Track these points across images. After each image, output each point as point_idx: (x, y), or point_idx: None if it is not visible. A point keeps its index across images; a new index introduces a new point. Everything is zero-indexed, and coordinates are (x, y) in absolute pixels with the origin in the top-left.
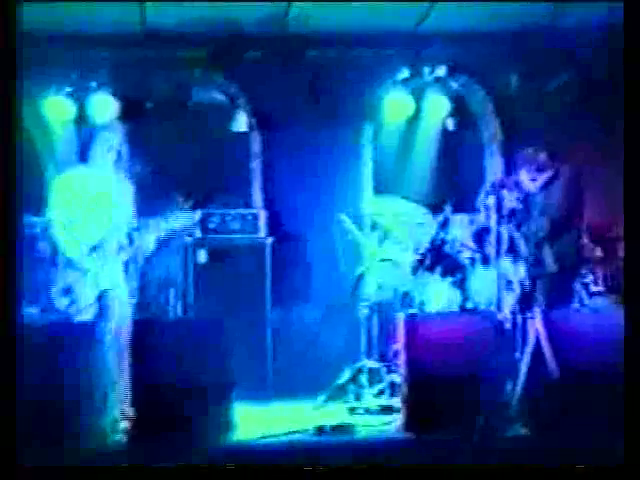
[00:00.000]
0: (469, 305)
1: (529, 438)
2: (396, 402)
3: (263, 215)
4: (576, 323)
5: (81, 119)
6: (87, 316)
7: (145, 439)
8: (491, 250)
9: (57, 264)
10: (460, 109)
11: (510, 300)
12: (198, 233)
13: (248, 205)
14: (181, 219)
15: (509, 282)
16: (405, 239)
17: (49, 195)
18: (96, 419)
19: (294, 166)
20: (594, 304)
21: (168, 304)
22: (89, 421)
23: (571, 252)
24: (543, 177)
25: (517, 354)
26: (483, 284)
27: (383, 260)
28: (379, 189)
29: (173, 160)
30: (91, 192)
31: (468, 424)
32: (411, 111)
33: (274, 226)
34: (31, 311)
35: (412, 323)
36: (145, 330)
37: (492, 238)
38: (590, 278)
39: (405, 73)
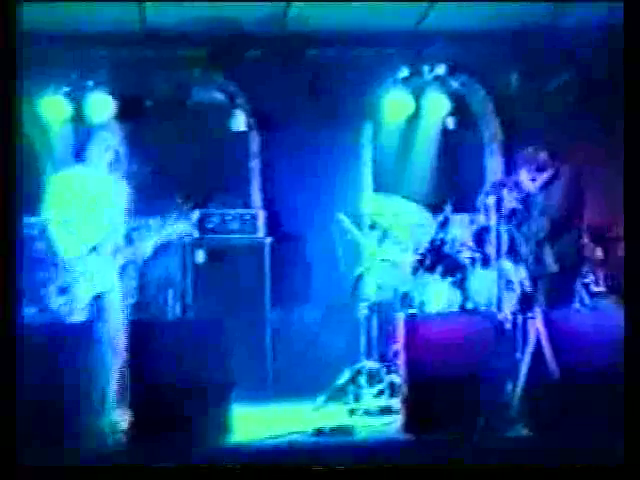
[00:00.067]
0: (469, 305)
1: (529, 438)
2: (396, 403)
3: (262, 215)
4: (577, 323)
5: (79, 118)
6: (84, 317)
7: (144, 439)
8: (491, 250)
9: (54, 264)
10: (460, 108)
11: (510, 300)
12: (196, 233)
13: (247, 205)
14: (180, 221)
15: (509, 282)
16: (405, 239)
17: (46, 195)
18: (96, 419)
19: (293, 166)
20: (595, 304)
21: (167, 304)
22: (89, 421)
23: (572, 252)
24: (543, 177)
25: (517, 354)
26: (483, 284)
27: (383, 260)
28: (379, 189)
29: (172, 160)
30: (88, 192)
31: (468, 425)
32: (411, 110)
33: (273, 226)
34: (27, 311)
35: (412, 323)
36: (144, 331)
37: (492, 238)
38: (591, 278)
39: (405, 72)
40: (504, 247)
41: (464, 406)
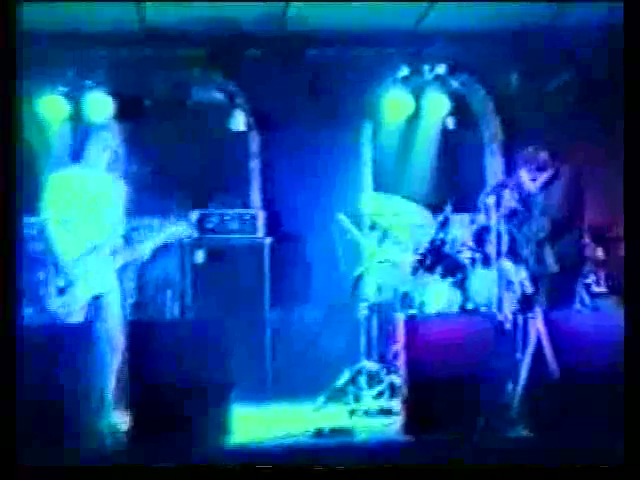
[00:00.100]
0: (469, 306)
1: (529, 438)
2: (396, 404)
3: (262, 215)
4: (577, 324)
5: (77, 118)
6: (82, 317)
7: (144, 440)
8: (492, 250)
9: (52, 265)
10: (460, 108)
11: (511, 300)
12: (196, 233)
13: (247, 205)
14: (179, 222)
15: (510, 282)
16: (405, 239)
17: (44, 195)
18: (96, 420)
19: (293, 166)
20: (595, 305)
21: (165, 305)
22: (89, 421)
23: (572, 252)
24: (543, 177)
25: (518, 355)
26: (483, 284)
27: (382, 261)
28: (378, 189)
29: (171, 160)
30: (87, 192)
31: (468, 425)
32: (411, 110)
33: (273, 226)
34: (26, 312)
35: (412, 324)
36: (143, 331)
37: (492, 238)
38: (592, 278)
39: (405, 72)
40: (504, 247)
41: (464, 407)
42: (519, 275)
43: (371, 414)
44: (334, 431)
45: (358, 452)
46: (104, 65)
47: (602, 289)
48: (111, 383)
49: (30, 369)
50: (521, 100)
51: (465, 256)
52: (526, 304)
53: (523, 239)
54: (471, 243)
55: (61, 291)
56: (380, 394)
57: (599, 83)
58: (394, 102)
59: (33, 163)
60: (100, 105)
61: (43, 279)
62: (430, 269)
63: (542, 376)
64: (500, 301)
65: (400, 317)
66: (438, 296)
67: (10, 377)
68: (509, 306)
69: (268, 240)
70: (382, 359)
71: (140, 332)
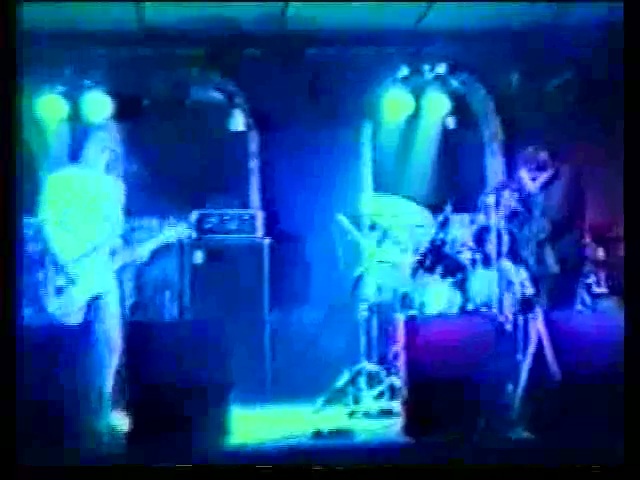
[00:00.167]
0: (470, 306)
1: (530, 438)
2: (396, 405)
3: (261, 215)
4: (578, 324)
5: (76, 118)
6: (81, 318)
7: (143, 440)
8: (492, 250)
9: (50, 266)
10: (460, 108)
11: (511, 301)
12: (195, 234)
13: (246, 205)
14: (178, 224)
15: (510, 283)
16: (405, 239)
17: (42, 195)
18: (95, 420)
19: (292, 166)
20: (596, 305)
21: (164, 306)
22: (89, 422)
23: (573, 253)
24: (543, 176)
25: (518, 356)
26: (484, 285)
27: (382, 261)
28: (378, 189)
29: (170, 160)
30: (85, 193)
31: (469, 426)
32: (411, 110)
33: (272, 226)
34: (24, 312)
35: (412, 324)
36: (142, 331)
37: (493, 238)
38: (592, 279)
39: (405, 71)
40: (505, 248)
41: (464, 408)
42: (519, 276)
43: (371, 415)
44: (334, 432)
45: (358, 453)
46: (103, 65)
47: (603, 289)
48: (110, 383)
49: (30, 369)
50: (521, 100)
51: (465, 256)
52: (526, 305)
53: (523, 239)
54: (471, 243)
55: (60, 292)
56: (380, 395)
57: (599, 83)
58: (394, 102)
59: (31, 163)
60: (99, 105)
61: (42, 280)
62: (430, 269)
63: (542, 377)
64: (500, 302)
65: (400, 318)
66: (438, 297)
67: (10, 377)
68: (509, 307)
69: (267, 240)
70: (382, 360)
71: (139, 333)
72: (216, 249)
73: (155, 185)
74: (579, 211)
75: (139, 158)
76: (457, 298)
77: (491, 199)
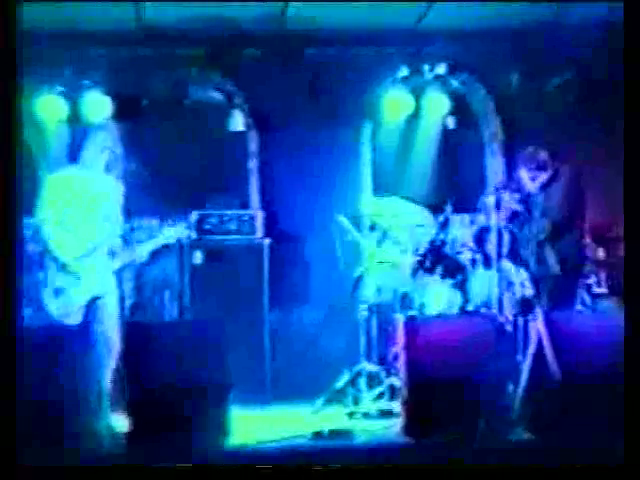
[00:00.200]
0: (470, 307)
1: (530, 439)
2: (395, 406)
3: (260, 215)
4: (578, 324)
5: (75, 118)
6: (80, 319)
7: (142, 441)
8: (492, 251)
9: (49, 266)
10: (460, 108)
11: (511, 302)
12: (194, 234)
13: (245, 205)
14: (178, 224)
15: (510, 283)
16: (404, 240)
17: (41, 196)
18: (95, 420)
19: (292, 166)
20: (596, 305)
21: (164, 306)
22: (88, 422)
23: (573, 253)
24: (543, 176)
25: (519, 356)
26: (484, 285)
27: (382, 261)
28: (378, 189)
29: (169, 160)
30: (84, 193)
31: (469, 427)
32: (411, 110)
33: (272, 227)
34: (24, 313)
35: (412, 325)
36: (141, 332)
37: (493, 239)
38: (593, 279)
39: (405, 71)
40: (505, 248)
41: (464, 408)
42: (519, 276)
43: (371, 416)
44: (333, 433)
45: (358, 454)
46: (102, 65)
47: (603, 290)
48: (109, 384)
49: (30, 369)
50: (521, 100)
51: (465, 257)
52: (526, 305)
53: (523, 240)
54: (472, 244)
55: (59, 292)
56: (380, 396)
57: (599, 83)
58: (394, 102)
59: (31, 163)
60: (98, 105)
61: (41, 280)
62: (430, 270)
63: (542, 377)
64: (500, 302)
65: (400, 318)
66: (438, 297)
67: (10, 377)
68: (509, 307)
69: (267, 241)
70: (382, 360)
71: (139, 333)
72: (216, 249)
73: (155, 185)
74: (579, 211)
75: (138, 158)
76: (457, 298)
77: (491, 199)
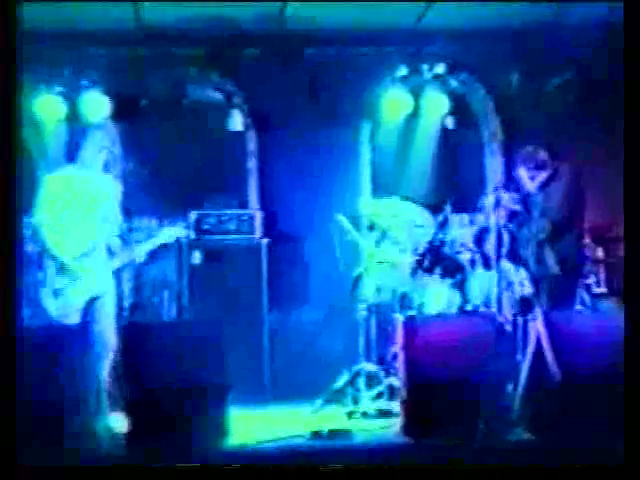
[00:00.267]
0: (469, 307)
1: (530, 439)
2: (395, 406)
3: (259, 215)
4: (577, 324)
5: (73, 118)
6: (79, 319)
7: (143, 441)
8: (491, 251)
9: (48, 266)
10: (460, 107)
11: (511, 302)
12: (193, 234)
13: (244, 205)
14: (177, 224)
15: (510, 283)
16: (403, 240)
17: (39, 196)
18: (94, 421)
19: (291, 166)
20: (596, 305)
21: (162, 306)
22: (88, 422)
23: (572, 253)
24: (542, 175)
25: (518, 356)
26: (483, 285)
27: (381, 261)
28: (377, 189)
29: (168, 160)
30: (83, 193)
31: (468, 427)
32: (410, 109)
33: (270, 227)
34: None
35: (411, 325)
36: (140, 332)
37: (492, 239)
38: (592, 279)
39: (404, 71)
40: (504, 248)
41: (464, 408)
42: (519, 276)
43: (370, 416)
44: (333, 433)
45: (357, 454)
46: (101, 64)
47: (603, 289)
48: (108, 384)
49: (30, 370)
50: (521, 99)
51: (465, 257)
52: (526, 305)
53: (523, 239)
54: (471, 244)
55: (58, 292)
56: (379, 395)
57: (599, 83)
58: (393, 101)
59: (29, 163)
60: (96, 105)
61: (40, 280)
62: (429, 270)
63: (542, 377)
64: (500, 302)
65: (399, 318)
66: (437, 297)
67: (10, 377)
68: (509, 307)
69: (266, 240)
70: (381, 360)
71: (138, 333)
72: (214, 249)
73: (153, 185)
74: (579, 211)
75: (137, 158)
76: (456, 298)
77: (490, 199)
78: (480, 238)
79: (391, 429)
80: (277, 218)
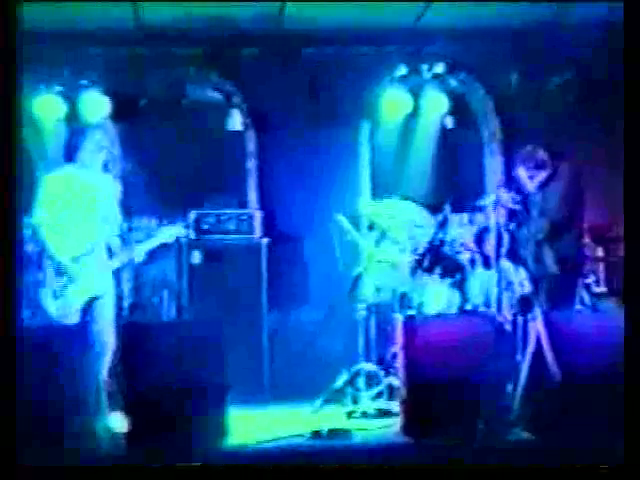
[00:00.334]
0: (468, 307)
1: (530, 439)
2: (394, 405)
3: (259, 215)
4: (577, 324)
5: (72, 117)
6: (78, 319)
7: (143, 441)
8: (491, 251)
9: (47, 266)
10: (459, 107)
11: (510, 301)
12: (192, 234)
13: (243, 205)
14: (176, 224)
15: (509, 283)
16: (403, 240)
17: (38, 196)
18: (94, 421)
19: (290, 165)
20: (596, 305)
21: (162, 306)
22: (88, 422)
23: (572, 252)
24: (542, 175)
25: (518, 356)
26: (483, 285)
27: (381, 261)
28: (377, 189)
29: (167, 160)
30: (82, 193)
31: (468, 427)
32: (409, 109)
33: (270, 226)
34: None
35: (410, 325)
36: (139, 333)
37: (492, 238)
38: (592, 279)
39: (403, 70)
40: (504, 248)
41: (464, 408)
42: (519, 275)
43: (369, 415)
44: (332, 432)
45: (356, 453)
46: (100, 64)
47: (602, 289)
48: (108, 384)
49: (30, 370)
50: (521, 99)
51: (464, 257)
52: (526, 305)
53: (522, 239)
54: (471, 244)
55: (58, 292)
56: (378, 395)
57: (599, 83)
58: (392, 101)
59: (28, 163)
60: (95, 104)
61: (39, 280)
62: (429, 270)
63: (542, 377)
64: (499, 302)
65: (399, 318)
66: (437, 297)
67: (10, 377)
68: (508, 307)
69: (265, 240)
70: (381, 360)
71: (137, 333)
72: (214, 249)
73: (153, 185)
74: (578, 211)
75: (136, 158)
76: (456, 298)
77: (490, 199)
78: (480, 238)
79: (391, 429)
80: (277, 218)
